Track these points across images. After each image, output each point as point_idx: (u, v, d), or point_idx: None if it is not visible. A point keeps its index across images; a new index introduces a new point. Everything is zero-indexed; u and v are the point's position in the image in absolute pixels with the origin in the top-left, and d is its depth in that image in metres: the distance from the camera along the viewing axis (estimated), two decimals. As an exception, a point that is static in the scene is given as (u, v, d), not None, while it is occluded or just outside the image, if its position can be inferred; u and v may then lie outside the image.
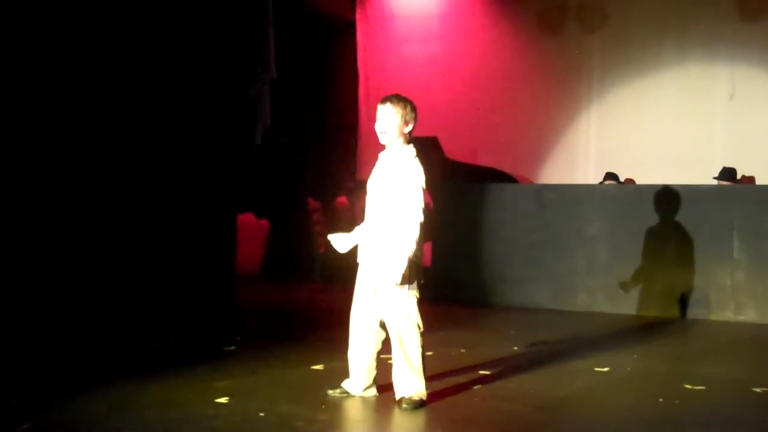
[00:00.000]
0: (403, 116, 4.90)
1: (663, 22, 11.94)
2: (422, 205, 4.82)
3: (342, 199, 11.90)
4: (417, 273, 4.85)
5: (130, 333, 7.40)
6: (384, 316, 4.88)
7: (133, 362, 5.97)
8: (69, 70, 9.48)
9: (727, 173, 9.89)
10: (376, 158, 5.05)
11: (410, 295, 4.83)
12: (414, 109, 4.95)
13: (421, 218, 4.77)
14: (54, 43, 9.32)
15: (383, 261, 4.80)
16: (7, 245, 8.84)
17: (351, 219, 11.43)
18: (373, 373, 5.00)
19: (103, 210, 9.81)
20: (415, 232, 4.75)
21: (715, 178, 9.93)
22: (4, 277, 8.62)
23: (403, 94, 5.05)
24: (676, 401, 5.13)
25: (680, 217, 9.05)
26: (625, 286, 9.13)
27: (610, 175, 10.61)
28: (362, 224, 5.02)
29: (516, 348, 6.88)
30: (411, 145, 4.94)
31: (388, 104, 4.92)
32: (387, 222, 4.83)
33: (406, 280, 4.76)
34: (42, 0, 9.17)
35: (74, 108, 9.57)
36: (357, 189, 11.69)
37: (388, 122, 4.89)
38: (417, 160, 4.89)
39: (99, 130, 9.79)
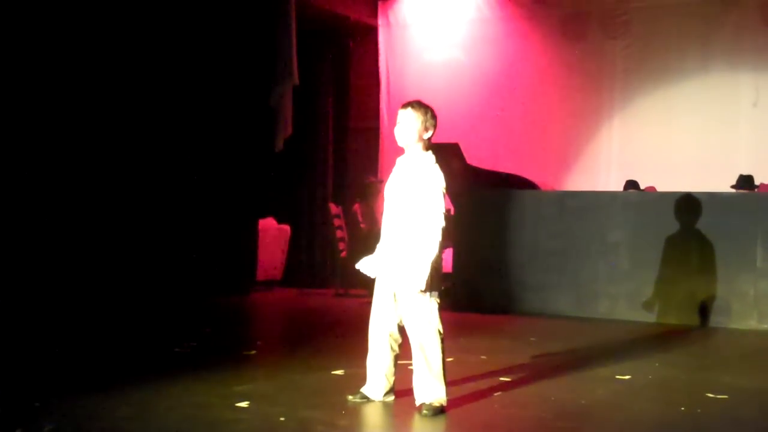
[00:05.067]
0: (424, 122, 4.92)
1: (686, 28, 11.86)
2: (444, 210, 4.83)
3: (356, 207, 11.93)
4: (438, 279, 4.86)
5: (151, 337, 7.44)
6: (405, 322, 4.88)
7: (154, 366, 5.99)
8: (92, 75, 9.54)
9: (744, 181, 9.81)
10: (397, 164, 5.07)
11: (432, 301, 4.83)
12: (434, 116, 4.97)
13: (443, 223, 4.78)
14: (78, 49, 9.39)
15: (405, 267, 4.79)
16: (30, 248, 8.91)
17: (371, 221, 11.43)
18: (393, 378, 5.00)
19: (125, 215, 9.87)
20: (437, 238, 4.77)
21: (732, 186, 9.86)
22: (28, 280, 8.68)
23: (425, 100, 5.07)
24: (699, 410, 5.09)
25: (703, 225, 9.00)
26: (648, 306, 9.11)
27: (631, 183, 10.56)
28: (382, 242, 5.02)
29: (536, 355, 6.86)
30: (430, 152, 4.95)
31: (409, 110, 4.94)
32: (408, 227, 4.83)
33: (429, 286, 4.77)
34: (65, 7, 9.25)
35: (97, 113, 9.63)
36: (373, 187, 11.70)
37: (409, 128, 4.91)
38: (437, 165, 4.91)
39: (121, 136, 9.85)
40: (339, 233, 11.81)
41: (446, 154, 8.71)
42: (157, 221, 10.20)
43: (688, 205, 9.02)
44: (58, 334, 7.34)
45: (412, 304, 4.81)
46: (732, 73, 11.67)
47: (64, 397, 4.92)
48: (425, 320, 4.80)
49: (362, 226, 11.71)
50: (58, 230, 9.21)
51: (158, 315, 8.97)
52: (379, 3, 13.67)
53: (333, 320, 9.43)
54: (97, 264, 9.53)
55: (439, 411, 4.75)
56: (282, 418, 4.57)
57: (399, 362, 5.02)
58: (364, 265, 5.02)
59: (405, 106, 4.98)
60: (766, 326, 8.73)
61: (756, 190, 9.85)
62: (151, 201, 10.14)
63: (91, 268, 9.44)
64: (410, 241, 4.81)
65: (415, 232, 4.80)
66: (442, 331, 4.84)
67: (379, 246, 5.04)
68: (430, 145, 4.98)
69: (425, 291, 4.76)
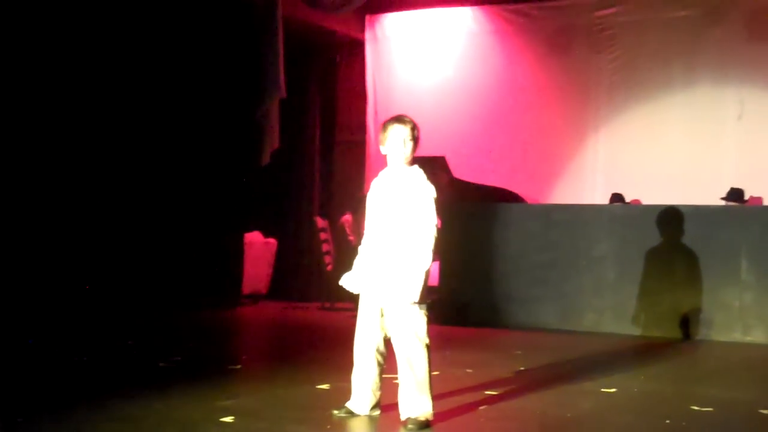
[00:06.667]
0: (413, 136, 4.93)
1: (671, 43, 11.94)
2: (436, 221, 4.85)
3: (347, 217, 11.90)
4: (426, 292, 4.86)
5: (136, 351, 7.40)
6: (392, 335, 4.86)
7: (139, 381, 5.96)
8: (79, 88, 9.53)
9: (735, 194, 9.88)
10: (383, 177, 5.07)
11: (421, 314, 4.82)
12: (419, 129, 5.00)
13: (435, 234, 4.80)
14: (63, 63, 9.39)
15: (396, 280, 4.79)
16: (12, 261, 8.87)
17: (358, 235, 11.43)
18: (378, 392, 4.98)
19: (111, 228, 9.85)
20: (431, 249, 4.78)
21: (722, 198, 9.91)
22: (11, 294, 8.64)
23: (411, 114, 5.08)
24: (684, 423, 5.10)
25: (688, 238, 9.04)
26: (635, 320, 9.14)
27: (616, 197, 10.59)
28: (360, 256, 5.03)
29: (522, 368, 6.86)
30: (416, 165, 4.96)
31: (401, 125, 4.93)
32: (399, 240, 4.82)
33: (423, 297, 4.77)
34: (49, 20, 9.24)
35: (84, 124, 9.62)
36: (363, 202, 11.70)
37: (401, 142, 4.90)
38: (425, 177, 4.93)
39: (108, 150, 9.84)
40: (325, 247, 11.80)
41: (433, 167, 8.72)
42: (144, 234, 10.18)
43: (673, 218, 9.06)
44: (42, 348, 7.30)
45: (401, 317, 4.80)
46: (717, 87, 11.75)
47: (48, 413, 4.88)
48: (413, 334, 4.79)
49: (351, 239, 11.70)
50: (42, 243, 9.17)
51: (143, 328, 8.93)
52: (366, 17, 13.70)
53: (318, 334, 9.41)
54: (82, 277, 9.49)
55: (424, 425, 4.74)
56: (267, 433, 4.55)
57: (384, 376, 5.00)
58: (347, 281, 5.02)
59: (393, 121, 4.96)
60: (750, 339, 8.76)
61: (745, 203, 9.90)
62: (137, 214, 10.13)
63: (76, 281, 9.40)
64: (402, 253, 4.80)
65: (407, 245, 4.80)
66: (429, 345, 4.84)
67: (357, 261, 5.03)
68: (414, 159, 5.00)
69: (419, 303, 4.76)
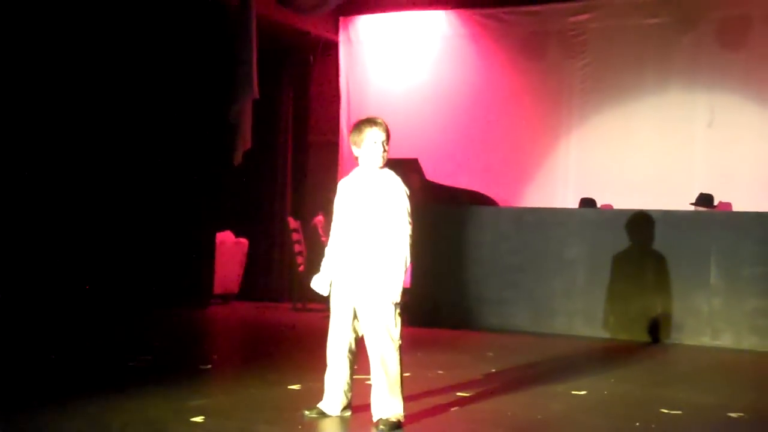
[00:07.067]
0: (388, 140, 4.95)
1: (643, 49, 12.02)
2: (411, 222, 4.87)
3: (319, 218, 11.88)
4: (402, 293, 4.87)
5: (106, 350, 7.35)
6: (366, 335, 4.85)
7: (109, 381, 5.91)
8: (53, 88, 9.47)
9: (704, 199, 9.96)
10: (357, 179, 5.06)
11: (396, 314, 4.83)
12: (390, 132, 5.01)
13: (411, 234, 4.81)
14: (33, 65, 9.31)
15: (373, 280, 4.79)
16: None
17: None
18: (350, 393, 4.98)
19: (82, 227, 9.78)
20: (408, 249, 4.80)
21: (692, 204, 9.99)
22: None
23: (384, 116, 5.09)
24: (653, 426, 5.13)
25: (658, 243, 9.11)
26: (605, 323, 9.18)
27: (586, 201, 10.63)
28: (327, 258, 5.02)
29: (493, 370, 6.88)
30: (387, 167, 4.98)
31: (378, 129, 4.93)
32: (375, 241, 4.82)
33: (403, 297, 4.78)
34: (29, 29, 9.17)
35: (56, 123, 9.55)
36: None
37: (379, 146, 4.91)
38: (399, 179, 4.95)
39: (79, 149, 9.77)
40: (297, 247, 11.78)
41: (406, 169, 8.74)
42: (115, 234, 10.12)
43: (643, 222, 9.12)
44: (9, 347, 7.23)
45: (376, 318, 4.79)
46: (688, 94, 11.84)
47: (15, 413, 4.83)
48: (387, 335, 4.79)
49: (323, 239, 11.68)
50: (9, 241, 9.09)
51: (113, 328, 8.87)
52: (340, 19, 13.71)
53: (289, 334, 9.38)
54: (51, 276, 9.42)
55: (396, 426, 4.74)
56: (237, 433, 4.53)
57: (356, 377, 5.00)
58: (318, 284, 5.01)
59: (372, 124, 4.94)
60: (719, 343, 8.84)
61: (714, 208, 9.99)
62: (108, 213, 10.06)
63: (44, 280, 9.32)
64: (378, 254, 4.80)
65: (383, 245, 4.80)
66: (401, 345, 4.84)
67: (325, 263, 5.03)
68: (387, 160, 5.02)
69: (398, 302, 4.77)
